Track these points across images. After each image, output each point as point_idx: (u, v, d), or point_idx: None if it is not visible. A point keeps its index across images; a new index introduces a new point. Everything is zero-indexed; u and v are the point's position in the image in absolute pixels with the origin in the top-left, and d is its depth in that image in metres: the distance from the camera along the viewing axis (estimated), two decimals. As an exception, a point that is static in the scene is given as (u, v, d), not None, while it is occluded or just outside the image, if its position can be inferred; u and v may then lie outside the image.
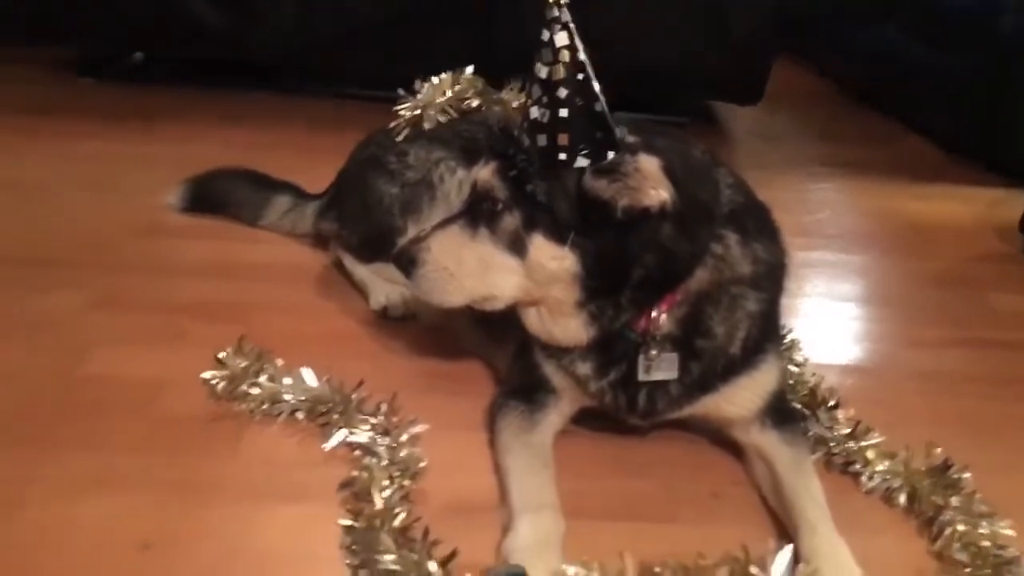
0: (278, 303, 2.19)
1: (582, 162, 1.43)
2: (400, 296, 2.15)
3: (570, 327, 1.55)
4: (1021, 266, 2.77)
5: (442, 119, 2.16)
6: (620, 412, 1.67)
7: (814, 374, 1.95)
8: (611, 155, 1.43)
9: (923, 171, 3.62)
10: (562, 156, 1.43)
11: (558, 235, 1.47)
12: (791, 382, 1.90)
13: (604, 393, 1.64)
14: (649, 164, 1.41)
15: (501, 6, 3.40)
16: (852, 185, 3.50)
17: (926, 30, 3.92)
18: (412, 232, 2.07)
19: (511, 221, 1.51)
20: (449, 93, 2.17)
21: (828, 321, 2.38)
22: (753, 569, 1.37)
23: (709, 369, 1.60)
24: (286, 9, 3.53)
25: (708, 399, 1.64)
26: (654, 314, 1.55)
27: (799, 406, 1.84)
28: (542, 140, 1.44)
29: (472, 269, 1.57)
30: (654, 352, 1.56)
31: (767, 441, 1.66)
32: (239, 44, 3.59)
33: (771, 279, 1.63)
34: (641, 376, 1.58)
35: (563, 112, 1.41)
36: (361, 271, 2.23)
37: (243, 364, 1.78)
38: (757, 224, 1.63)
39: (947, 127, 3.83)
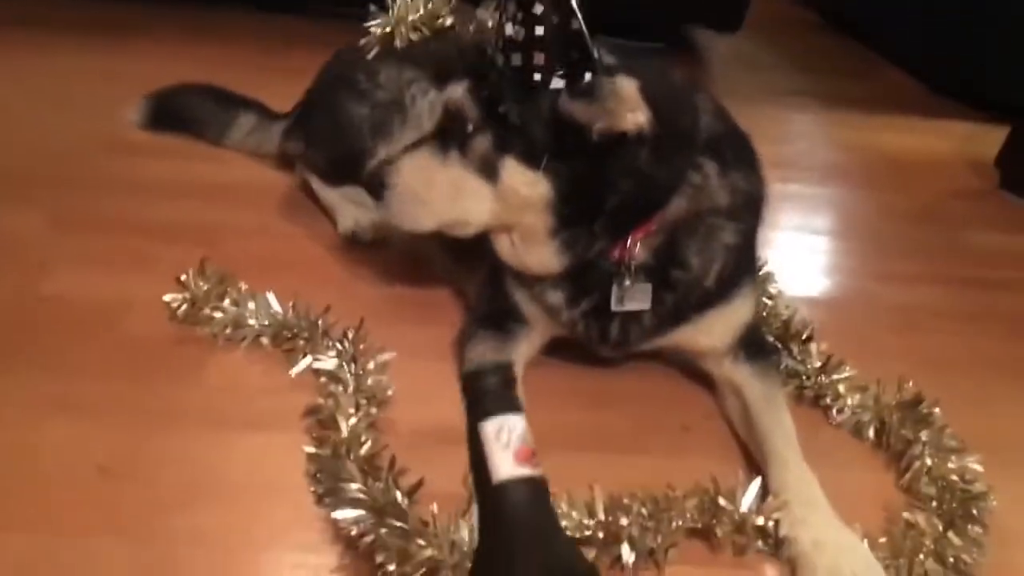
0: (242, 225, 2.12)
1: (557, 83, 1.37)
2: (369, 220, 2.09)
3: (543, 255, 1.51)
4: (996, 203, 2.76)
5: (414, 37, 2.07)
6: (592, 343, 1.64)
7: (787, 306, 1.93)
8: (588, 77, 1.37)
9: (902, 104, 3.58)
10: (537, 77, 1.37)
11: (531, 159, 1.42)
12: (764, 314, 1.88)
13: (576, 323, 1.61)
14: (627, 86, 1.35)
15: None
16: (830, 117, 3.46)
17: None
18: (382, 155, 2.02)
19: (483, 143, 1.46)
20: (422, 10, 2.08)
21: (801, 254, 2.36)
22: (722, 501, 1.38)
23: (683, 301, 1.57)
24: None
25: (681, 331, 1.62)
26: (628, 243, 1.51)
27: (772, 339, 1.83)
28: (516, 59, 1.38)
29: (443, 193, 1.52)
30: (627, 283, 1.53)
31: (739, 374, 1.65)
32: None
33: (749, 210, 1.60)
34: (614, 306, 1.55)
35: (539, 30, 1.34)
36: (329, 194, 2.17)
37: (205, 287, 1.73)
38: (737, 153, 1.59)
39: (927, 59, 3.78)
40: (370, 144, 2.04)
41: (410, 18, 2.06)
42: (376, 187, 1.59)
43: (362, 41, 2.07)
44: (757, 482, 1.41)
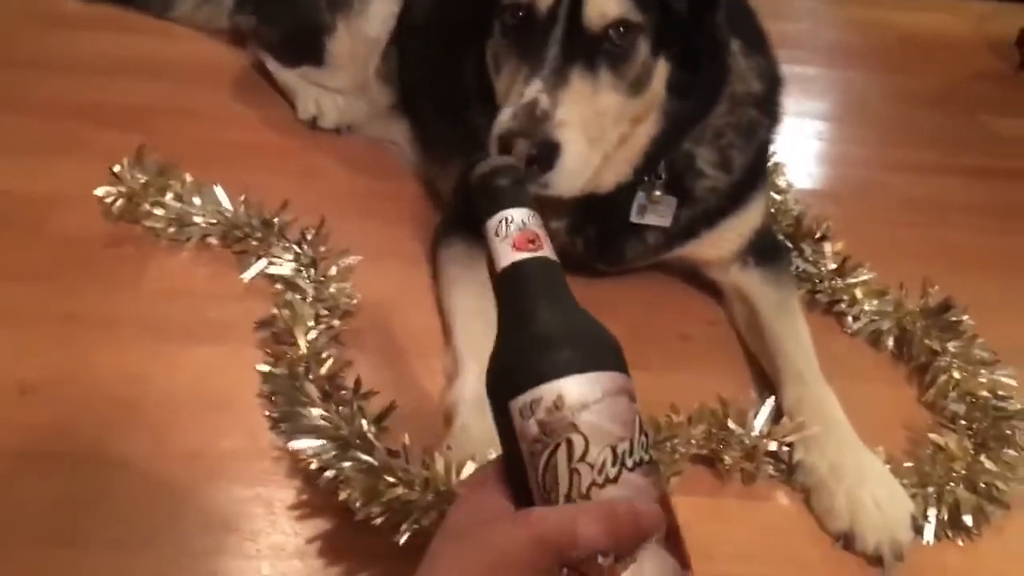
0: (189, 108, 1.89)
1: None
2: (333, 104, 1.87)
3: (621, 172, 1.29)
4: (1018, 86, 2.55)
5: None
6: (588, 260, 1.46)
7: (797, 201, 1.75)
8: None
9: (911, -21, 3.32)
10: None
11: (668, 49, 1.20)
12: (773, 210, 1.70)
13: (574, 245, 1.42)
14: None
15: None
16: (836, -8, 3.19)
17: None
18: (343, 31, 1.77)
19: (644, 51, 1.18)
20: None
21: (809, 142, 2.16)
22: (732, 424, 1.22)
23: (699, 215, 1.40)
24: None
25: (688, 245, 1.45)
26: None
27: (782, 238, 1.65)
28: None
29: (599, 131, 1.19)
30: (658, 192, 1.34)
31: (748, 280, 1.48)
32: None
33: (774, 98, 1.41)
34: (634, 218, 1.36)
35: None
36: (286, 75, 1.93)
37: (144, 179, 1.52)
38: (751, 31, 1.38)
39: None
40: (327, 17, 1.78)
41: None
42: (539, 156, 1.12)
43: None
44: (770, 403, 1.26)
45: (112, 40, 2.11)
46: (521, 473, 0.68)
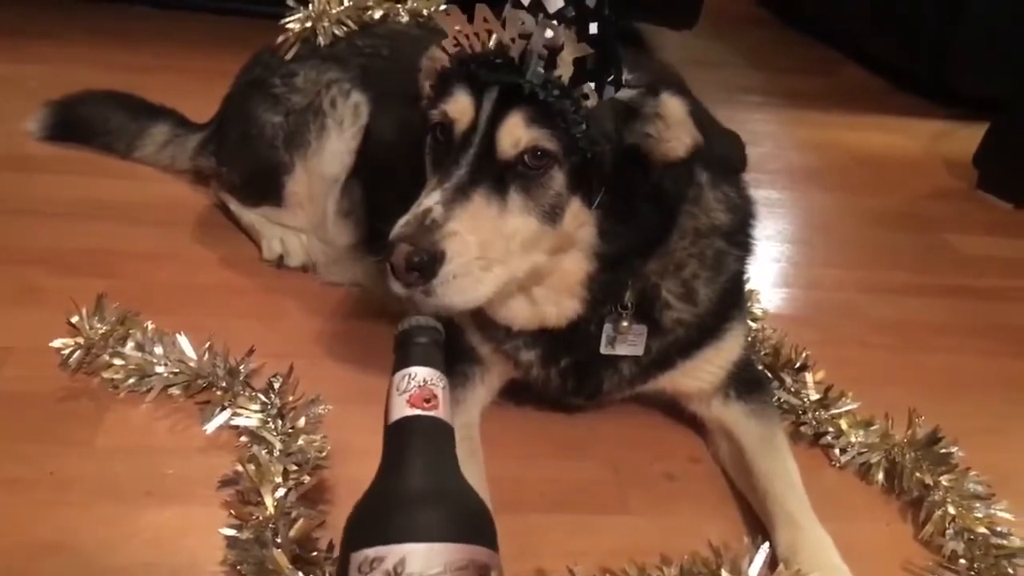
0: (152, 250, 1.85)
1: (609, 92, 1.16)
2: (298, 242, 1.85)
3: (565, 307, 1.29)
4: (977, 203, 2.59)
5: (339, 32, 1.82)
6: (563, 395, 1.42)
7: (775, 329, 1.72)
8: (624, 88, 1.18)
9: (864, 101, 3.42)
10: (589, 89, 1.14)
11: (590, 195, 1.19)
12: (751, 339, 1.67)
13: (549, 378, 1.39)
14: (678, 109, 1.18)
15: None
16: (792, 116, 3.28)
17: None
18: (300, 171, 1.77)
19: (558, 182, 1.17)
20: (347, 2, 1.83)
21: (780, 267, 2.16)
22: (725, 574, 1.15)
23: (670, 345, 1.36)
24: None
25: (665, 377, 1.41)
26: None
27: (761, 367, 1.62)
28: (564, 68, 1.13)
29: (502, 253, 1.18)
30: (625, 323, 1.32)
31: (731, 415, 1.43)
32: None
33: (744, 229, 1.40)
34: (603, 349, 1.33)
35: (593, 28, 1.12)
36: (249, 215, 1.91)
37: (103, 329, 1.46)
38: (725, 159, 1.37)
39: (893, 55, 3.62)
40: (284, 157, 1.78)
41: (333, 11, 1.83)
42: (421, 264, 1.12)
43: (280, 39, 1.82)
44: (764, 549, 1.19)
45: (74, 182, 2.08)
46: None
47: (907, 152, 2.98)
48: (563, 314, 1.29)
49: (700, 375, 1.42)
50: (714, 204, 1.33)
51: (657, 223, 1.26)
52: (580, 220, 1.20)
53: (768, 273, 2.10)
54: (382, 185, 1.71)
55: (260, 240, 1.88)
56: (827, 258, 2.25)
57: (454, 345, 1.38)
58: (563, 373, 1.38)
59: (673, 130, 1.16)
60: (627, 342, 1.32)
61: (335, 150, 1.75)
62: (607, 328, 1.32)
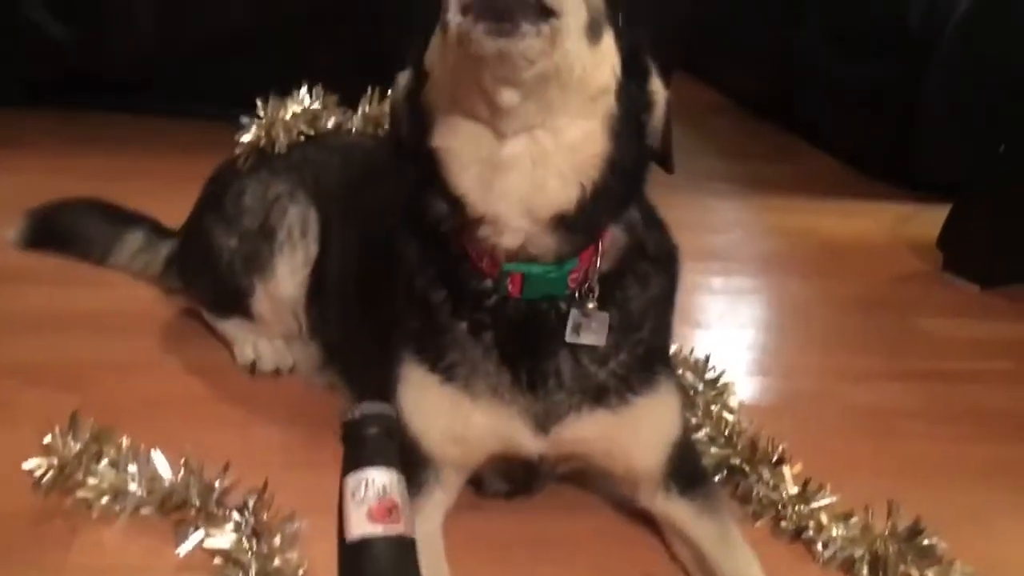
0: (126, 361, 1.84)
1: None
2: (270, 347, 1.85)
3: (568, 189, 1.19)
4: (944, 286, 2.64)
5: (291, 140, 1.85)
6: (513, 396, 1.34)
7: (751, 421, 1.73)
8: None
9: (829, 187, 3.49)
10: None
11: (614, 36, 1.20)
12: (727, 432, 1.68)
13: (500, 379, 1.33)
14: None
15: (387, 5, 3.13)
16: (758, 203, 3.34)
17: (832, 37, 3.80)
18: (261, 292, 1.78)
19: None
20: (298, 109, 1.87)
21: (752, 355, 2.18)
22: None
23: (613, 369, 1.35)
24: (142, 20, 3.16)
25: (601, 418, 1.35)
26: (594, 255, 1.29)
27: (738, 462, 1.62)
28: None
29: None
30: (591, 306, 1.29)
31: (679, 513, 1.41)
32: (90, 59, 3.20)
33: (669, 273, 1.41)
34: (568, 336, 1.29)
35: None
36: (222, 324, 1.91)
37: (77, 448, 1.44)
38: (652, 214, 1.41)
39: (854, 139, 3.72)
40: (244, 281, 1.79)
41: (286, 117, 1.86)
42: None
43: (236, 151, 1.85)
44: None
45: (49, 293, 2.09)
46: None
47: (872, 236, 3.04)
48: (562, 197, 1.19)
49: (638, 434, 1.39)
50: (645, 234, 1.36)
51: (640, 161, 1.27)
52: (609, 59, 1.18)
53: (743, 362, 2.11)
54: (335, 302, 1.73)
55: (233, 346, 1.88)
56: (800, 345, 2.27)
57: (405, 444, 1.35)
58: (517, 371, 1.32)
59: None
60: (591, 330, 1.30)
61: (285, 272, 1.76)
62: (574, 314, 1.29)
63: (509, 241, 1.21)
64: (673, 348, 1.63)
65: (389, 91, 1.37)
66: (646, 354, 1.37)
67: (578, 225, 1.22)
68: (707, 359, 1.85)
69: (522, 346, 1.31)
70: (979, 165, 2.73)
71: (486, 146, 1.16)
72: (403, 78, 1.32)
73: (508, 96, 1.10)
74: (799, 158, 3.93)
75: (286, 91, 1.91)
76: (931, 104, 3.29)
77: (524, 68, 1.07)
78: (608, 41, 1.18)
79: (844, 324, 2.39)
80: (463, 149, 1.18)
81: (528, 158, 1.16)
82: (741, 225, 3.11)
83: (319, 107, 1.90)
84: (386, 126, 1.93)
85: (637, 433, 1.39)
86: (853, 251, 2.91)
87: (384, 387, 1.38)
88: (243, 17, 3.17)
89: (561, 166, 1.17)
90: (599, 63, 1.16)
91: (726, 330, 2.29)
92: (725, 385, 1.80)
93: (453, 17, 1.05)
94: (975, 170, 2.74)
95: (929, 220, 2.87)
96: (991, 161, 2.66)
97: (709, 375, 1.83)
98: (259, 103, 1.86)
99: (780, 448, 1.63)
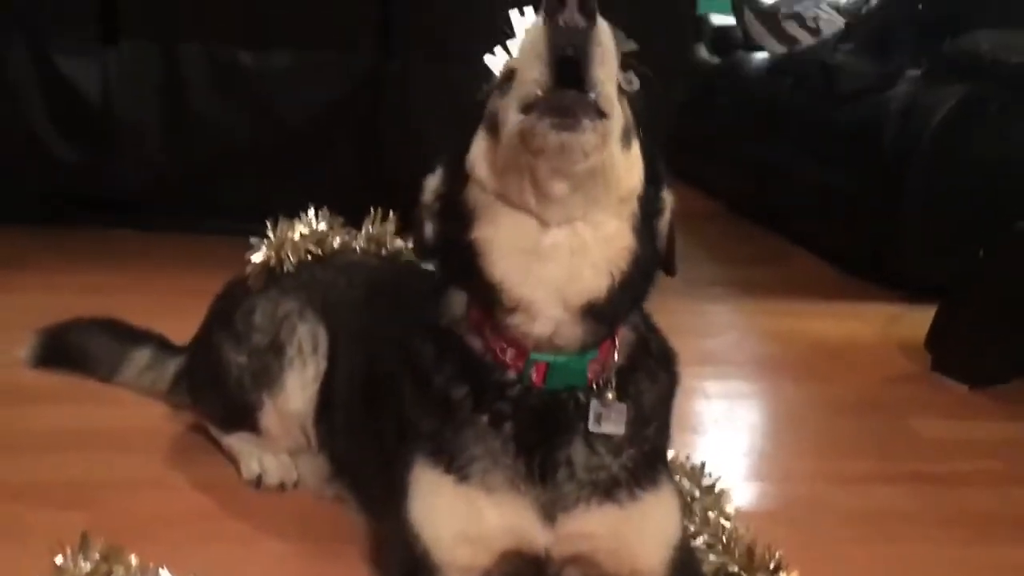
0: (134, 478, 1.88)
1: None
2: (275, 462, 1.89)
3: (600, 278, 1.27)
4: (934, 386, 2.69)
5: (301, 260, 1.92)
6: (528, 510, 1.37)
7: (748, 528, 1.76)
8: None
9: (819, 289, 3.60)
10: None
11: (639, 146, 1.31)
12: (725, 539, 1.71)
13: (512, 481, 1.36)
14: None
15: (388, 128, 3.28)
16: (751, 306, 3.44)
17: (814, 146, 3.96)
18: (270, 407, 1.82)
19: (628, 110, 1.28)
20: (305, 231, 1.95)
21: (749, 460, 2.22)
22: None
23: (624, 463, 1.39)
24: (149, 141, 3.31)
25: (612, 512, 1.39)
26: (611, 347, 1.38)
27: (736, 569, 1.65)
28: None
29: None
30: (611, 396, 1.36)
31: None
32: (97, 179, 3.33)
33: (671, 372, 1.49)
34: (592, 426, 1.35)
35: None
36: (228, 439, 1.95)
37: (88, 568, 1.47)
38: (648, 318, 1.50)
39: (839, 244, 3.84)
40: (253, 396, 1.83)
41: (294, 238, 1.93)
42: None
43: (247, 270, 1.92)
44: None
45: (60, 411, 2.14)
46: None
47: (862, 338, 3.11)
48: (593, 286, 1.27)
49: (643, 532, 1.41)
50: (650, 335, 1.46)
51: (653, 259, 1.36)
52: (638, 164, 1.29)
53: (739, 467, 2.15)
54: (343, 415, 1.77)
55: (239, 461, 1.92)
56: (795, 449, 2.31)
57: (413, 556, 1.38)
58: (530, 452, 1.35)
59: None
60: (611, 419, 1.35)
61: (295, 386, 1.81)
62: (594, 404, 1.35)
63: (540, 329, 1.29)
64: (671, 454, 1.67)
65: (422, 193, 1.43)
66: (651, 452, 1.43)
67: (604, 315, 1.30)
68: (703, 465, 1.89)
69: (540, 435, 1.36)
70: (961, 269, 2.81)
71: (529, 235, 1.26)
72: (432, 181, 1.41)
73: (559, 187, 1.22)
74: (789, 261, 4.04)
75: (287, 210, 2.00)
76: (911, 211, 3.42)
77: (579, 160, 1.19)
78: (636, 149, 1.30)
79: (836, 427, 2.43)
80: (506, 239, 1.27)
81: (567, 248, 1.26)
82: (735, 328, 3.19)
83: (326, 228, 1.98)
84: (390, 245, 2.03)
85: (643, 531, 1.43)
86: (844, 353, 2.98)
87: (392, 495, 1.42)
88: (246, 138, 3.32)
89: (596, 257, 1.27)
90: (631, 167, 1.29)
91: (722, 435, 2.33)
92: (722, 491, 1.83)
93: (513, 116, 1.18)
94: (958, 273, 2.83)
95: (918, 320, 2.94)
96: (972, 265, 2.75)
97: (706, 481, 1.86)
98: (269, 224, 1.94)
99: (777, 555, 1.65)
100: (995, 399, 2.63)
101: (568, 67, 1.14)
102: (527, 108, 1.16)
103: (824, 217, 3.91)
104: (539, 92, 1.15)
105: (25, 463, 1.91)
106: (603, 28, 1.15)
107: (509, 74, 1.25)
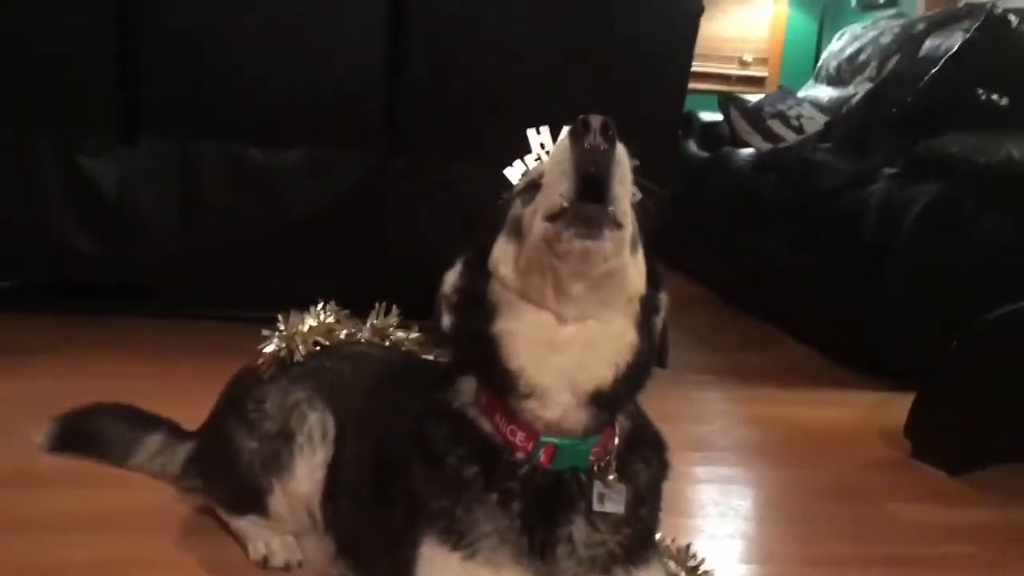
0: (146, 559, 1.97)
1: None
2: (281, 543, 1.98)
3: (608, 370, 1.40)
4: (912, 473, 2.79)
5: (310, 350, 2.04)
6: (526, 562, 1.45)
7: (732, 611, 1.86)
8: None
9: (806, 377, 3.72)
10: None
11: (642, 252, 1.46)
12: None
13: (517, 558, 1.44)
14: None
15: (392, 223, 3.45)
16: (738, 393, 3.55)
17: (799, 238, 4.13)
18: (279, 492, 1.91)
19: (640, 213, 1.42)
20: (314, 323, 2.08)
21: (735, 544, 2.31)
22: None
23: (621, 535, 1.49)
24: (166, 232, 3.47)
25: None
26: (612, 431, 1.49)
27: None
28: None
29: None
30: (612, 477, 1.46)
31: None
32: (112, 269, 3.48)
33: (662, 459, 1.59)
34: (596, 505, 1.45)
35: None
36: (236, 522, 2.04)
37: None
38: (639, 408, 1.61)
39: (826, 332, 3.98)
40: (263, 481, 1.92)
41: (303, 330, 2.05)
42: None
43: (259, 361, 2.03)
44: None
45: (75, 495, 2.23)
46: None
47: (845, 424, 3.22)
48: (600, 376, 1.40)
49: None
50: (645, 423, 1.58)
51: (650, 361, 1.48)
52: (641, 268, 1.43)
53: (724, 550, 2.24)
54: (349, 497, 1.86)
55: (246, 542, 2.01)
56: (777, 532, 2.40)
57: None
58: (533, 530, 1.44)
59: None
60: (612, 499, 1.46)
61: (304, 471, 1.89)
62: (597, 485, 1.45)
63: (551, 413, 1.42)
64: (658, 536, 1.77)
65: (442, 284, 1.55)
66: (644, 532, 1.53)
67: (608, 402, 1.43)
68: (688, 547, 1.98)
69: (544, 513, 1.46)
70: (936, 358, 2.94)
71: (547, 329, 1.39)
72: (452, 276, 1.55)
73: (578, 288, 1.36)
74: (775, 348, 4.17)
75: (294, 299, 2.13)
76: (890, 302, 3.57)
77: (599, 265, 1.34)
78: (640, 255, 1.46)
79: (817, 511, 2.52)
80: (526, 332, 1.40)
81: (580, 342, 1.40)
82: (723, 415, 3.30)
83: (333, 320, 2.11)
84: (393, 336, 2.15)
85: None
86: (827, 439, 3.09)
87: (398, 573, 1.51)
88: (257, 230, 3.48)
89: (604, 350, 1.41)
90: (638, 271, 1.44)
91: (708, 519, 2.42)
92: (706, 573, 1.93)
93: (539, 224, 1.33)
94: (933, 363, 2.95)
95: (898, 407, 3.04)
96: (947, 355, 2.88)
97: (691, 563, 1.96)
98: (280, 317, 2.07)
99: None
100: (973, 485, 2.72)
101: (590, 183, 1.30)
102: (553, 217, 1.32)
103: (811, 306, 4.05)
104: (565, 203, 1.30)
105: (42, 545, 2.00)
106: (621, 151, 1.32)
107: (531, 185, 1.42)
